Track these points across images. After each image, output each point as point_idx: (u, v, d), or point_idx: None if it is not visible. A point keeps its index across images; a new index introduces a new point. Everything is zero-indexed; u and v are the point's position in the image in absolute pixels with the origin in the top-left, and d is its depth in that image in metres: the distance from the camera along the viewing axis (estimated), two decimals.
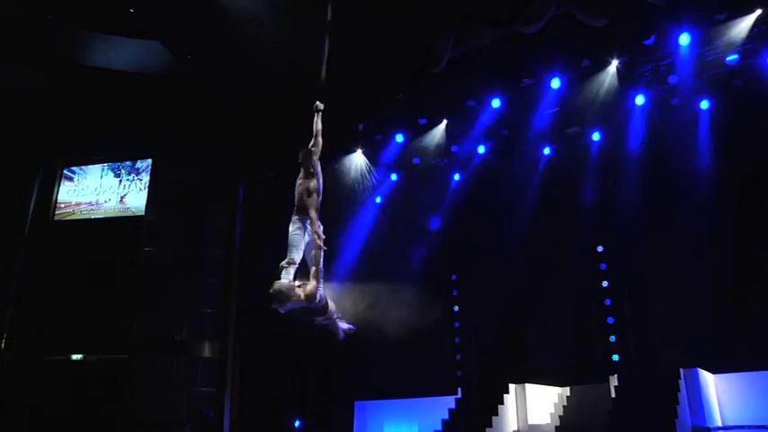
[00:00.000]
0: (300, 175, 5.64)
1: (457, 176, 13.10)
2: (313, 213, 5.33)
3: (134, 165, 12.86)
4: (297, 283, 5.02)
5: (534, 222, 12.03)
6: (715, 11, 9.26)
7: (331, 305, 5.35)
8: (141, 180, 12.67)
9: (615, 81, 10.40)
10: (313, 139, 5.79)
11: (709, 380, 9.76)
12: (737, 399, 9.63)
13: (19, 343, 11.44)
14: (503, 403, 10.33)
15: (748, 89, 10.04)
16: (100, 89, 11.53)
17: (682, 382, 9.13)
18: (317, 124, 5.84)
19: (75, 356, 11.37)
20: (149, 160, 12.68)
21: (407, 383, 12.09)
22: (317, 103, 5.87)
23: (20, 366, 11.30)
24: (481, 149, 12.46)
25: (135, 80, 11.18)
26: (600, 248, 11.61)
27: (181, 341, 11.08)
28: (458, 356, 12.69)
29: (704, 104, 10.60)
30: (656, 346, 10.73)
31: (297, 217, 5.46)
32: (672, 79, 10.35)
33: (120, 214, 12.58)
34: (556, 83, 10.74)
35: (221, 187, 12.31)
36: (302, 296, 4.91)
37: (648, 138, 11.02)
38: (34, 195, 12.55)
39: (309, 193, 5.48)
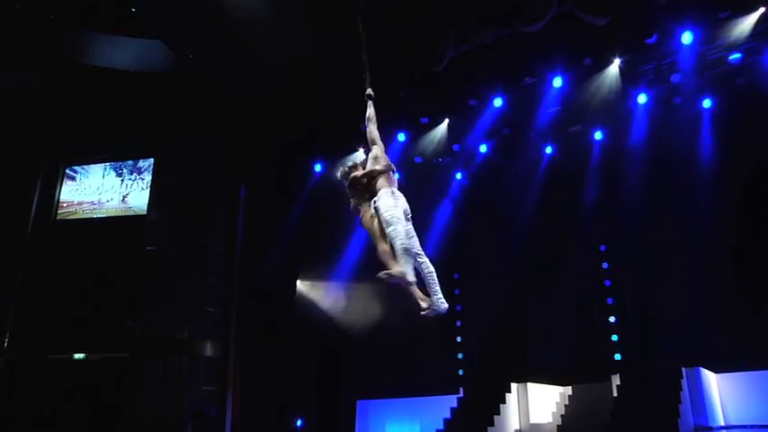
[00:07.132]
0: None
1: (459, 175, 13.09)
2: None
3: (136, 164, 12.87)
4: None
5: (536, 221, 12.01)
6: (717, 9, 9.23)
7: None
8: (143, 179, 12.68)
9: (617, 80, 10.34)
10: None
11: (711, 379, 9.74)
12: (740, 398, 9.60)
13: (21, 342, 11.47)
14: (505, 402, 10.31)
15: (751, 88, 9.98)
16: (102, 88, 11.56)
17: (684, 382, 9.09)
18: (370, 110, 5.89)
19: (78, 355, 11.40)
20: (151, 159, 12.69)
21: (409, 382, 12.08)
22: (369, 90, 5.88)
23: (22, 365, 11.33)
24: (483, 148, 12.42)
25: (137, 79, 11.21)
26: (602, 247, 11.59)
27: (183, 340, 11.10)
28: (459, 355, 12.69)
29: (706, 103, 10.55)
30: (658, 345, 10.70)
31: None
32: (674, 78, 10.30)
33: (122, 213, 12.60)
34: (558, 81, 10.70)
35: (223, 186, 12.32)
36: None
37: (650, 136, 10.97)
38: (36, 195, 12.57)
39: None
